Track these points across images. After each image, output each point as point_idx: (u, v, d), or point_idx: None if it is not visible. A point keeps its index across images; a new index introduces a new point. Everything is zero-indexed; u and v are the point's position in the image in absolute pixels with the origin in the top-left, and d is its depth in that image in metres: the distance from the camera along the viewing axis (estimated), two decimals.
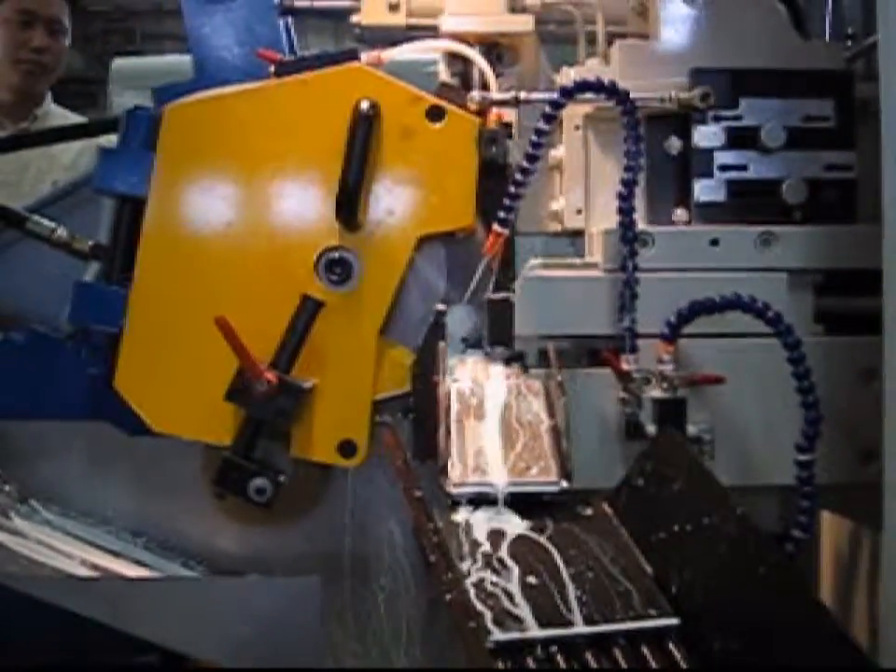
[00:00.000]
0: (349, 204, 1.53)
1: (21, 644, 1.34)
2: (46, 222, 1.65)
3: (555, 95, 1.54)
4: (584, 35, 1.78)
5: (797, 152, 1.62)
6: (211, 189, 1.58)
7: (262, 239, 1.57)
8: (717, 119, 1.60)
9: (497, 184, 1.58)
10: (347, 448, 1.55)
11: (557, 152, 1.70)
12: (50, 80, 2.90)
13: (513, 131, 1.69)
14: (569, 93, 1.50)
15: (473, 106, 1.59)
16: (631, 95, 1.53)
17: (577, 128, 1.66)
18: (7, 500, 1.60)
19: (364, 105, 1.52)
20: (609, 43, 1.70)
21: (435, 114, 1.57)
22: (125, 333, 1.57)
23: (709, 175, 1.61)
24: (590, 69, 1.66)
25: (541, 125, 1.51)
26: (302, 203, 1.57)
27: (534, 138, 1.51)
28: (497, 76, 1.70)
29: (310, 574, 1.46)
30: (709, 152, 1.62)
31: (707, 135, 1.62)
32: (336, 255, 1.56)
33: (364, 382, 1.56)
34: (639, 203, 1.59)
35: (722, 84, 1.61)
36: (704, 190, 1.61)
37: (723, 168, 1.61)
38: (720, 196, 1.61)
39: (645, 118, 1.61)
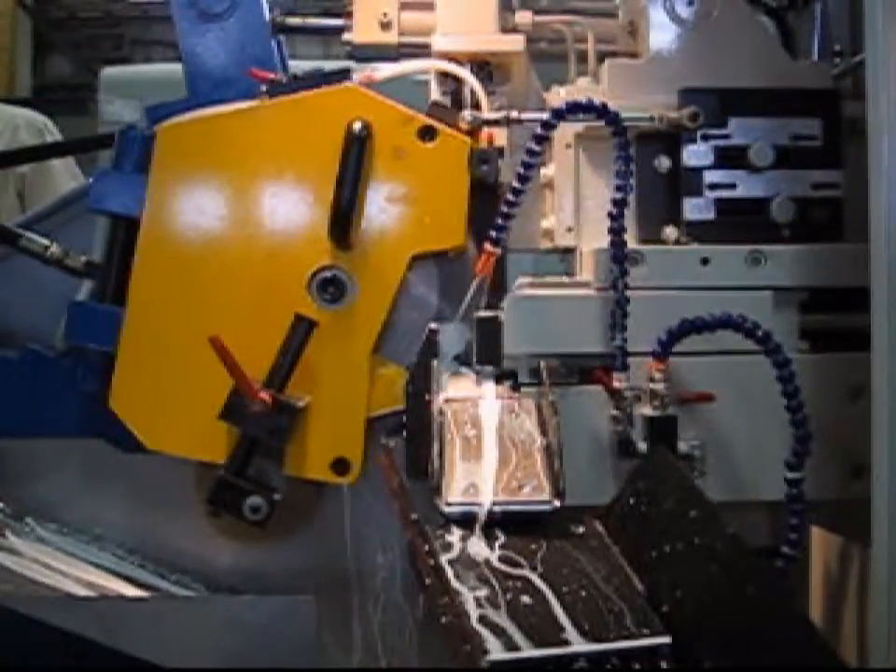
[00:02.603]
0: (342, 224, 1.54)
1: (17, 663, 1.34)
2: (39, 239, 1.64)
3: (546, 115, 1.56)
4: (575, 53, 1.80)
5: (785, 171, 1.64)
6: (205, 208, 1.58)
7: (256, 258, 1.58)
8: (705, 138, 1.62)
9: (488, 203, 1.59)
10: (341, 466, 1.56)
11: (548, 170, 1.71)
12: None
13: (505, 149, 1.72)
14: (561, 115, 1.52)
15: (464, 126, 1.60)
16: (622, 115, 1.55)
17: (568, 146, 1.68)
18: (3, 518, 1.61)
19: (357, 126, 1.54)
20: (600, 61, 1.72)
21: (427, 134, 1.58)
22: (120, 352, 1.57)
23: (699, 193, 1.63)
24: (580, 88, 1.67)
25: (533, 146, 1.52)
26: (296, 223, 1.58)
27: (525, 158, 1.52)
28: (488, 94, 1.71)
29: (306, 591, 1.48)
30: (698, 171, 1.64)
31: (695, 154, 1.63)
32: (329, 274, 1.57)
33: (357, 400, 1.57)
34: (630, 221, 1.60)
35: (711, 103, 1.62)
36: (693, 209, 1.63)
37: (712, 187, 1.63)
38: (709, 214, 1.63)
39: (635, 136, 1.63)
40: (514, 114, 1.61)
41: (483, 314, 1.56)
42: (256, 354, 1.53)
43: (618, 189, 1.54)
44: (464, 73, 1.67)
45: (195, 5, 1.70)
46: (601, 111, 1.53)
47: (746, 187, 1.64)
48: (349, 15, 1.82)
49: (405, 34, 1.78)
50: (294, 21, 1.80)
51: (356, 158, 1.53)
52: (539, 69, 1.85)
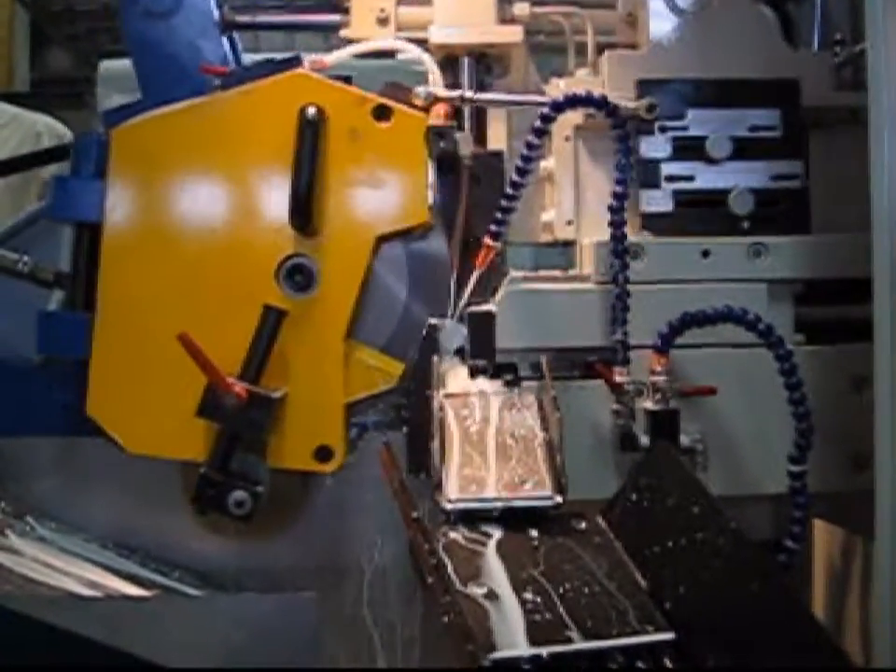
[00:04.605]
0: (302, 211, 1.53)
1: (18, 663, 1.34)
2: (9, 254, 1.64)
3: (504, 96, 1.57)
4: (573, 45, 1.79)
5: (743, 162, 1.63)
6: (165, 207, 1.58)
7: (221, 252, 1.58)
8: (663, 129, 1.60)
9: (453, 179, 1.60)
10: (323, 454, 1.56)
11: (548, 163, 1.70)
12: None
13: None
14: (560, 107, 1.51)
15: (419, 103, 1.59)
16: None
17: (567, 139, 1.67)
18: (3, 518, 1.60)
19: (310, 110, 1.53)
20: (599, 53, 1.71)
21: (381, 113, 1.57)
22: (93, 358, 1.57)
23: (656, 185, 1.62)
24: (579, 80, 1.66)
25: (532, 139, 1.51)
26: (258, 214, 1.58)
27: (525, 152, 1.51)
28: (487, 86, 1.71)
29: (307, 585, 1.47)
30: (656, 163, 1.62)
31: (653, 146, 1.62)
32: (295, 262, 1.57)
33: (334, 386, 1.57)
34: (631, 213, 1.60)
35: (669, 95, 1.62)
36: (651, 201, 1.62)
37: (670, 179, 1.62)
38: (667, 207, 1.62)
39: (635, 128, 1.62)
40: (469, 93, 1.60)
41: (476, 308, 1.56)
42: (229, 348, 1.52)
43: (618, 181, 1.53)
44: (416, 50, 1.66)
45: (140, 3, 1.69)
46: (600, 103, 1.52)
47: (704, 178, 1.63)
48: (346, 11, 1.81)
49: (402, 29, 1.77)
50: (243, 18, 1.79)
51: (310, 143, 1.52)
52: (538, 62, 1.84)
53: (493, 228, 1.53)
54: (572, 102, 1.52)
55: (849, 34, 1.83)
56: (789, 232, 1.60)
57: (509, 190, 1.53)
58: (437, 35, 1.69)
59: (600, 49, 1.72)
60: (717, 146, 1.61)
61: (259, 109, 1.58)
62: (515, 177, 1.52)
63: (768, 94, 1.63)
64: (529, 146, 1.51)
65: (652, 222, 1.62)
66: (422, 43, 1.73)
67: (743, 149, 1.63)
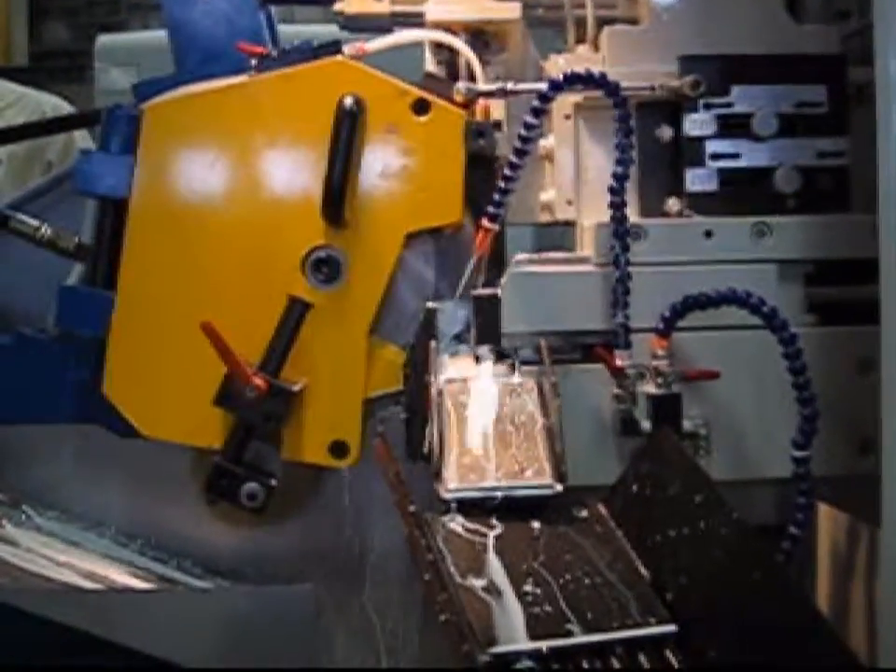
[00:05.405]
0: (335, 202, 1.50)
1: (13, 658, 1.33)
2: (30, 220, 1.61)
3: (543, 86, 1.52)
4: (573, 19, 1.75)
5: (789, 139, 1.59)
6: (195, 188, 1.55)
7: (248, 239, 1.55)
8: (707, 106, 1.57)
9: (485, 178, 1.55)
10: (339, 449, 1.54)
11: (547, 142, 1.67)
12: None
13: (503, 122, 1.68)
14: (558, 87, 1.47)
15: (459, 98, 1.56)
16: (622, 84, 1.50)
17: (567, 117, 1.63)
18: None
19: (348, 101, 1.49)
20: (599, 27, 1.67)
21: (420, 107, 1.54)
22: (111, 337, 1.55)
23: (701, 164, 1.59)
24: (579, 57, 1.62)
25: (530, 119, 1.48)
26: (288, 202, 1.55)
27: (522, 132, 1.48)
28: (484, 64, 1.67)
29: (308, 574, 1.47)
30: (700, 141, 1.59)
31: (697, 124, 1.59)
32: (323, 254, 1.54)
33: (354, 382, 1.55)
34: (632, 193, 1.57)
35: (713, 71, 1.57)
36: (695, 180, 1.58)
37: (715, 157, 1.58)
38: (711, 186, 1.58)
39: (635, 106, 1.59)
40: (510, 85, 1.57)
41: (481, 291, 1.53)
42: (250, 337, 1.50)
43: (618, 162, 1.50)
44: (458, 43, 1.62)
45: None
46: (600, 82, 1.49)
47: (749, 156, 1.59)
48: None
49: (398, 3, 1.73)
50: None
51: (347, 134, 1.49)
52: (538, 36, 1.80)
53: (490, 210, 1.51)
54: (571, 80, 1.48)
55: (856, 5, 1.79)
56: (832, 210, 1.57)
57: (507, 171, 1.50)
58: (433, 12, 1.65)
59: (600, 24, 1.69)
60: (763, 123, 1.57)
61: (296, 95, 1.55)
62: (513, 158, 1.49)
63: (814, 70, 1.59)
64: (527, 126, 1.48)
65: (697, 201, 1.58)
66: (417, 17, 1.70)
67: (789, 126, 1.59)
